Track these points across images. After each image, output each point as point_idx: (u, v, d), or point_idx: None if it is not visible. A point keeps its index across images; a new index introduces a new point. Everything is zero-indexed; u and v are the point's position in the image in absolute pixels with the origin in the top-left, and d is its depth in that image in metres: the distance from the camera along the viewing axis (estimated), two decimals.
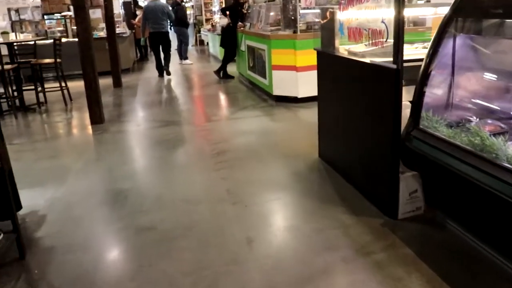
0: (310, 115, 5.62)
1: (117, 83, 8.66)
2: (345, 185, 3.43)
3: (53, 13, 11.22)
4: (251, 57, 7.65)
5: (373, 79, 2.96)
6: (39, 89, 7.23)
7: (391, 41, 2.66)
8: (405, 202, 2.83)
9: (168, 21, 9.84)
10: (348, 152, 3.49)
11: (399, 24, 2.55)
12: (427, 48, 2.80)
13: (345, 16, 3.30)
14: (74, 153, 4.71)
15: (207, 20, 16.75)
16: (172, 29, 11.27)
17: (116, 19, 12.14)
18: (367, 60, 2.99)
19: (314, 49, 3.93)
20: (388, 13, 2.66)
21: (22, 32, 10.64)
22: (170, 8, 9.93)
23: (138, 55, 13.77)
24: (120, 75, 8.77)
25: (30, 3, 11.33)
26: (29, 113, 6.78)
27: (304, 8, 6.32)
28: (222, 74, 8.89)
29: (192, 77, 9.95)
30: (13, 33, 10.27)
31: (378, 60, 2.85)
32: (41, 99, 7.23)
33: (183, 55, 11.66)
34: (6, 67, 6.46)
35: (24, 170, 4.23)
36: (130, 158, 4.56)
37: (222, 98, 7.51)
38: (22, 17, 11.55)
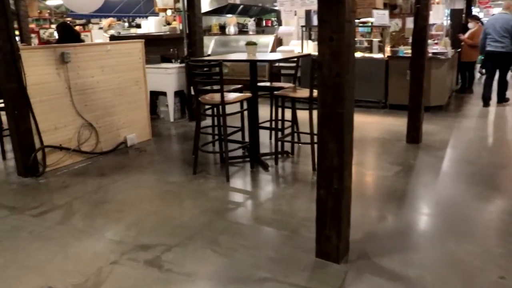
0: None
1: (413, 137, 5.19)
2: None
3: (358, 19, 8.60)
4: None
5: None
6: (285, 132, 4.62)
7: None
8: None
9: None
10: None
11: None
12: None
13: None
14: None
15: None
16: None
17: (435, 33, 8.54)
18: None
19: None
20: None
21: (313, 41, 8.46)
22: None
23: (459, 83, 9.74)
24: (421, 123, 5.24)
25: None
26: (256, 170, 4.24)
27: None
28: None
29: None
30: (297, 42, 8.27)
31: None
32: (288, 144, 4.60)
33: None
34: (236, 95, 4.00)
35: None
36: None
37: None
38: None
